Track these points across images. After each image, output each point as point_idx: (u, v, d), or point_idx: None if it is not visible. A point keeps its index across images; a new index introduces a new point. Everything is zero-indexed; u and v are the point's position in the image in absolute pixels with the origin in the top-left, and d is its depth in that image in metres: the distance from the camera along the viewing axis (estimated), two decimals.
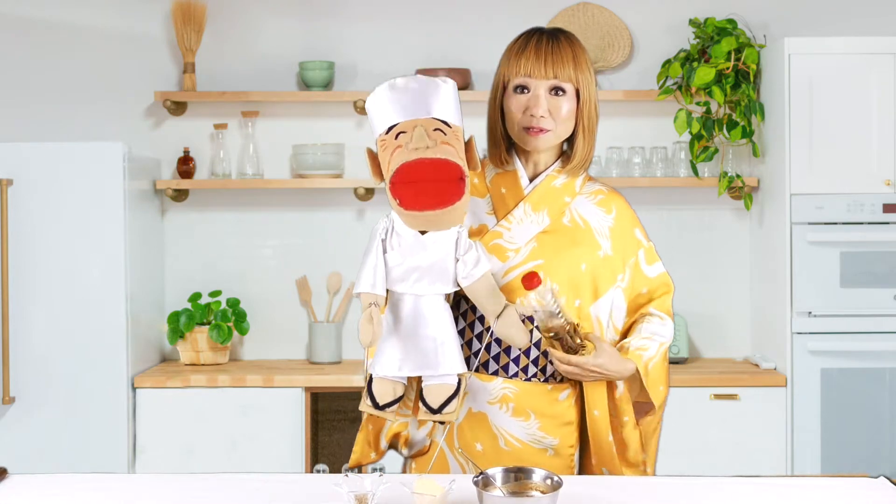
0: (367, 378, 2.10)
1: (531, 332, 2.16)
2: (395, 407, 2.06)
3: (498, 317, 2.06)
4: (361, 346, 1.99)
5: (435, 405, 2.05)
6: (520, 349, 2.17)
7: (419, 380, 2.11)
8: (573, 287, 2.19)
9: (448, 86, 2.03)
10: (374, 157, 2.03)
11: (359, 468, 2.28)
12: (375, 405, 2.05)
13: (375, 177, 2.02)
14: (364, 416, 2.23)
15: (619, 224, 2.25)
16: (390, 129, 1.98)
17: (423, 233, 2.01)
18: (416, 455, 2.29)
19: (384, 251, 2.02)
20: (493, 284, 2.07)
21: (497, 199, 2.24)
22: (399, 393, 2.06)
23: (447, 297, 2.09)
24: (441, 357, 2.03)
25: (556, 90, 2.18)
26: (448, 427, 2.21)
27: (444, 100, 2.01)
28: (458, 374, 2.06)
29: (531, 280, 2.14)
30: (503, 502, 1.82)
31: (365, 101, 4.41)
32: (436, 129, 1.96)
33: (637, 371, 2.18)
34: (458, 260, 2.03)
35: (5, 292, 3.86)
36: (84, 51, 4.38)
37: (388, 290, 2.05)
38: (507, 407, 2.19)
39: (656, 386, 2.23)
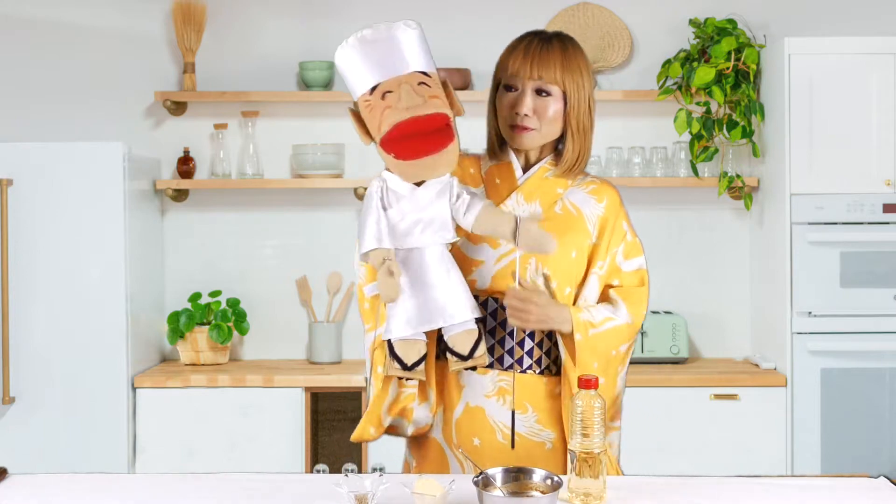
0: (377, 345, 2.09)
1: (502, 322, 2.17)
2: (422, 366, 2.05)
3: (515, 235, 2.05)
4: (385, 303, 1.96)
5: (465, 352, 2.05)
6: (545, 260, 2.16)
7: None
8: (565, 274, 2.21)
9: (415, 32, 2.06)
10: (359, 117, 2.04)
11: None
12: (403, 367, 2.04)
13: (364, 137, 2.04)
14: (376, 390, 2.18)
15: (608, 213, 2.27)
16: (373, 88, 1.99)
17: (418, 185, 2.02)
18: (416, 434, 2.27)
19: (383, 209, 2.02)
20: (497, 209, 2.08)
21: (491, 188, 2.27)
22: (423, 351, 2.06)
23: (448, 246, 2.10)
24: (457, 304, 2.04)
25: (542, 91, 2.20)
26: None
27: (417, 48, 2.04)
28: (476, 318, 2.07)
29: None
30: (503, 502, 1.82)
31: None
32: (420, 83, 1.98)
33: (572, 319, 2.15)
34: (452, 206, 2.05)
35: (5, 292, 3.86)
36: (84, 51, 4.38)
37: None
38: (504, 400, 2.20)
39: (588, 348, 2.17)
